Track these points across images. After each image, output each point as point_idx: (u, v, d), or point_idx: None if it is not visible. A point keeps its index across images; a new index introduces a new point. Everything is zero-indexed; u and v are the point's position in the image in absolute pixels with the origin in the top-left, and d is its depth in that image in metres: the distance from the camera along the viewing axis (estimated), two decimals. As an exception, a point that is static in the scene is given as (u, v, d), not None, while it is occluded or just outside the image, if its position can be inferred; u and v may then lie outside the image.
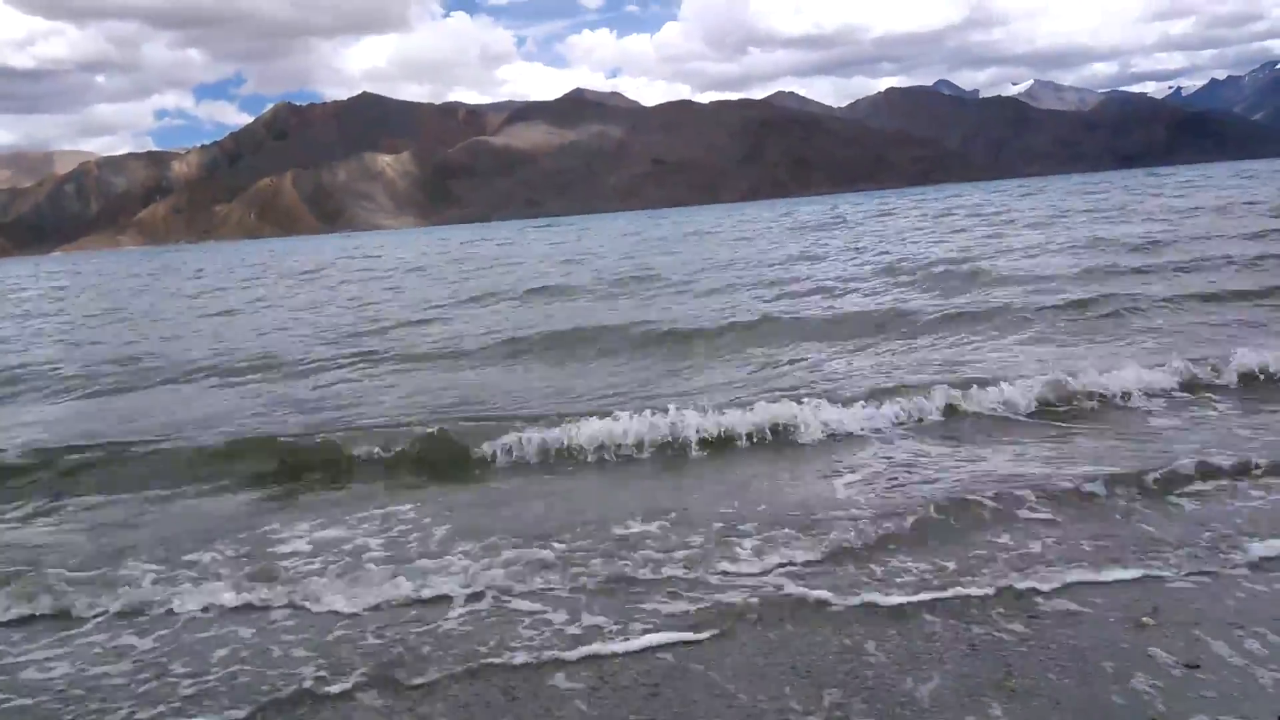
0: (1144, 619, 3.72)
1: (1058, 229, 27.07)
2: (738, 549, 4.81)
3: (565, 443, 7.20)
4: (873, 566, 4.52)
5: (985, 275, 16.53)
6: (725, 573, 4.52)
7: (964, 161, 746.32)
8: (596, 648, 3.81)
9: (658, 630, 3.95)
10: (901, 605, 4.10)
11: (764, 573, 4.47)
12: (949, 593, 4.13)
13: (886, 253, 24.04)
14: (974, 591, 4.15)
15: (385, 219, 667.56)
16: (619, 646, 3.81)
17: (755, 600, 4.16)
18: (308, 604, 4.51)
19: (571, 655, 3.76)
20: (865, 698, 3.38)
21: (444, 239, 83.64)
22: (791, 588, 4.30)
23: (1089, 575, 4.22)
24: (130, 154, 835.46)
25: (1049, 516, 5.03)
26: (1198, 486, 5.30)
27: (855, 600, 4.14)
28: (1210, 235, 20.60)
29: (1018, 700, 3.26)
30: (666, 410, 7.45)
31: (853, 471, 6.13)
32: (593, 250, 37.97)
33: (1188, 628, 3.67)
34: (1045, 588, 4.13)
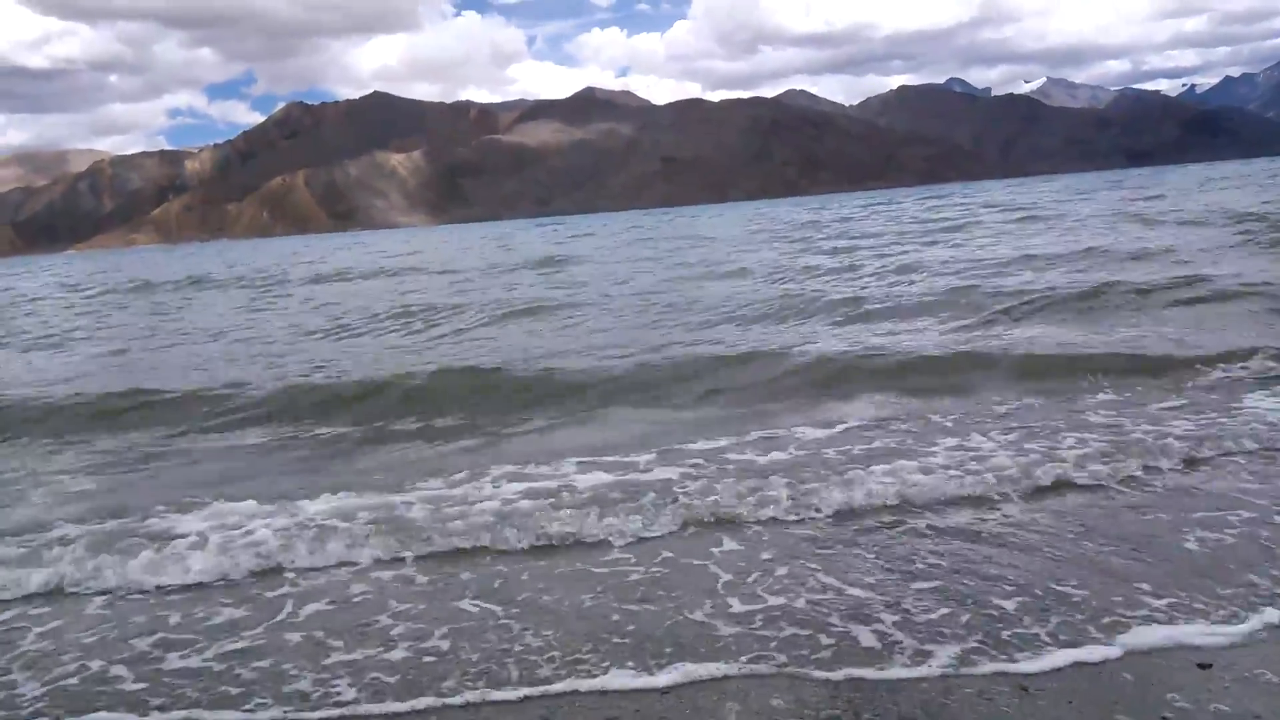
0: None
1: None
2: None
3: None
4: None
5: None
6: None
7: (975, 160, 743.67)
8: None
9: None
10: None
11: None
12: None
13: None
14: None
15: (397, 217, 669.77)
16: None
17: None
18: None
19: None
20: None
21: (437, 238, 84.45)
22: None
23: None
24: (143, 153, 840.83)
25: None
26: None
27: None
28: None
29: (1031, 699, 3.22)
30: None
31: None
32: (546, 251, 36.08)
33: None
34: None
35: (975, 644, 3.51)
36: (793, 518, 4.99)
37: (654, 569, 4.47)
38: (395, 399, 8.78)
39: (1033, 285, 13.22)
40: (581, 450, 6.59)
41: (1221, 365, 7.50)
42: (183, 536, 5.19)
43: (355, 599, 4.33)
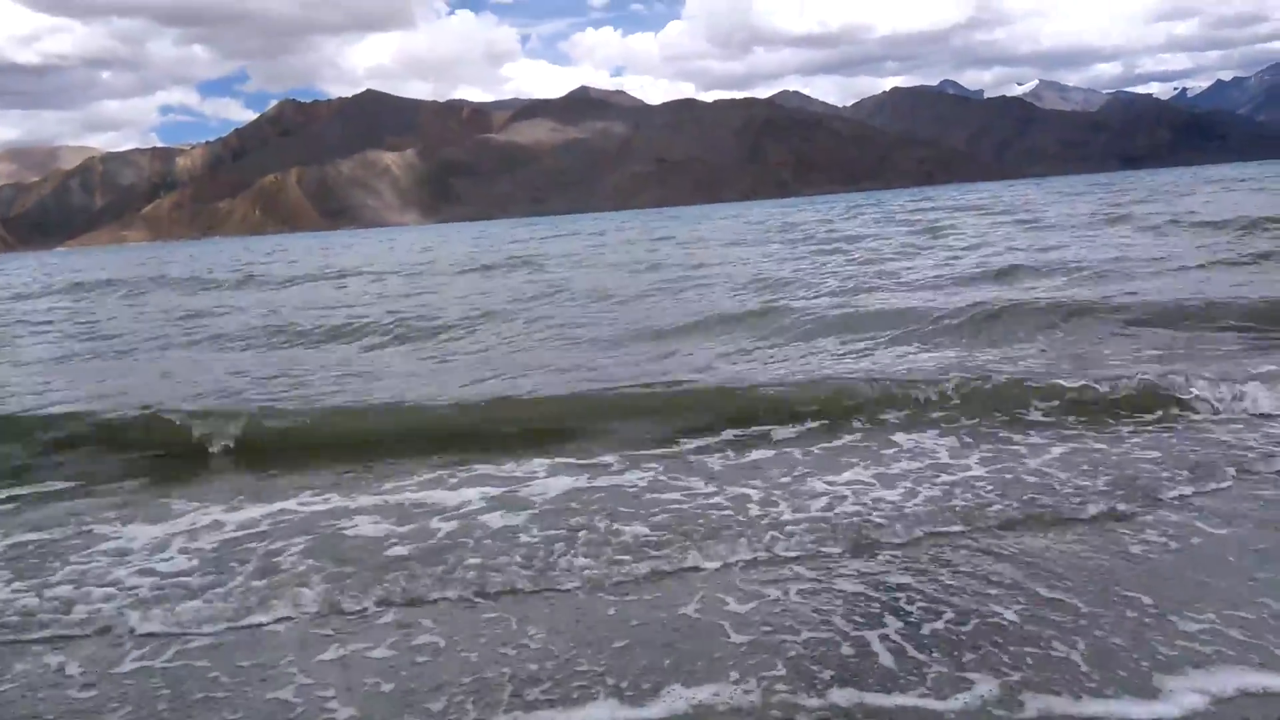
0: None
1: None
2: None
3: None
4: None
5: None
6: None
7: (969, 161, 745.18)
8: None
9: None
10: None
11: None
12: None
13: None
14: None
15: (389, 216, 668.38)
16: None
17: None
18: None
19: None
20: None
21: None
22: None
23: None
24: (135, 150, 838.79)
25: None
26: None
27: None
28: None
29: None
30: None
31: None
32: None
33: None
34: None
35: (1019, 678, 3.16)
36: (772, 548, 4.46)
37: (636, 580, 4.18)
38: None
39: (987, 297, 12.48)
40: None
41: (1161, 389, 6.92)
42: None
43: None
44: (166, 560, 4.68)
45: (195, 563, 4.63)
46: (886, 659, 3.37)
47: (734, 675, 3.30)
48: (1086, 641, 3.39)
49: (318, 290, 24.06)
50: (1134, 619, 3.56)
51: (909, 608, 3.76)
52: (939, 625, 3.60)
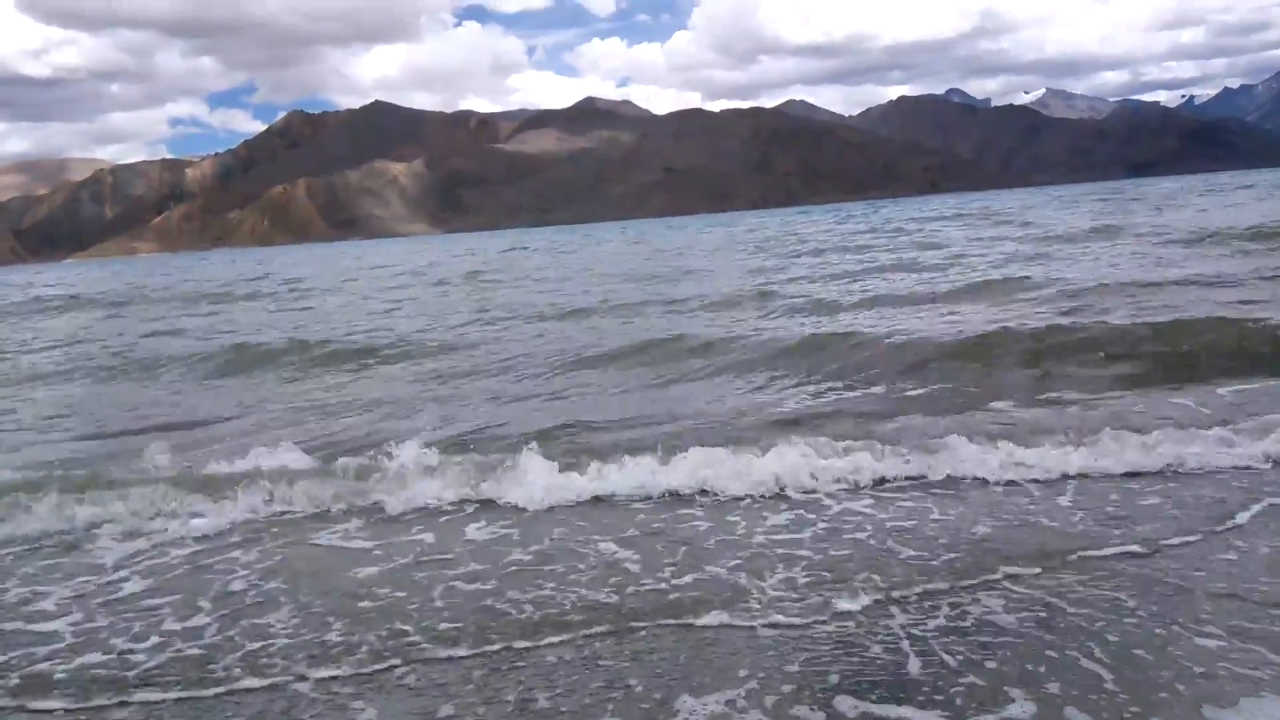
0: None
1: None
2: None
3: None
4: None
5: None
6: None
7: (975, 170, 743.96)
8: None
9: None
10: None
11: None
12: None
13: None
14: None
15: (397, 226, 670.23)
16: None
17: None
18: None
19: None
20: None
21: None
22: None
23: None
24: (145, 161, 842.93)
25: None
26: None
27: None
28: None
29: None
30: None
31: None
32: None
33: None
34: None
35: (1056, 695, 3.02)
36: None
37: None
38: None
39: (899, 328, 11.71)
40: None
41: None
42: None
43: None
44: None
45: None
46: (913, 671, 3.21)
47: (746, 683, 3.16)
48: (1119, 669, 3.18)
49: (231, 311, 23.73)
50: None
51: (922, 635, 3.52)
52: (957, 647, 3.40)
